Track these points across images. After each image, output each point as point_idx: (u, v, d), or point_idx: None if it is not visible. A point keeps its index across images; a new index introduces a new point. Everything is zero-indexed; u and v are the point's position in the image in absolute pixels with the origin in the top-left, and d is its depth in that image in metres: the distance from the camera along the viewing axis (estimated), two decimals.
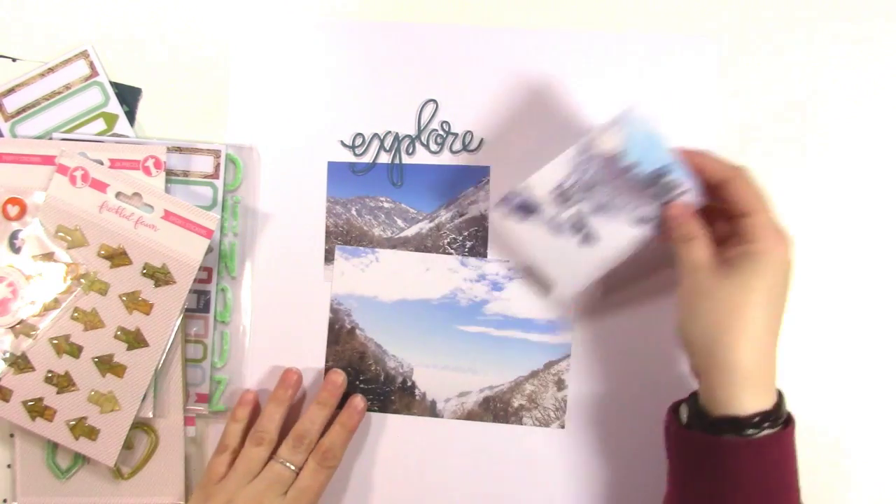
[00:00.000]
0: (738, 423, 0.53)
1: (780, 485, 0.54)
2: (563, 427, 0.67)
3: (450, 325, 0.67)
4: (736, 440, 0.53)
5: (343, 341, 0.67)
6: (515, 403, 0.67)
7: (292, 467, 0.61)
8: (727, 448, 0.53)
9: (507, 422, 0.67)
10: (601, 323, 0.67)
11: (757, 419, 0.53)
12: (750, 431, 0.53)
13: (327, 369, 0.67)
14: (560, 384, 0.67)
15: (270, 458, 0.62)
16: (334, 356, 0.67)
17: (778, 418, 0.54)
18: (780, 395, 0.55)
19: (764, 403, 0.53)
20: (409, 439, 0.67)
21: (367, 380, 0.67)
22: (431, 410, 0.67)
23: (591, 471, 0.67)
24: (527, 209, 0.61)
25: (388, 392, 0.67)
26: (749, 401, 0.53)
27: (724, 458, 0.53)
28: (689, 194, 0.59)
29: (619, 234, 0.60)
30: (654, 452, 0.63)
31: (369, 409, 0.67)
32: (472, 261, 0.67)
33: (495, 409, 0.67)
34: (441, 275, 0.67)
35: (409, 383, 0.67)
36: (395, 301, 0.67)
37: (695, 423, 0.56)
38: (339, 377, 0.65)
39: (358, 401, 0.65)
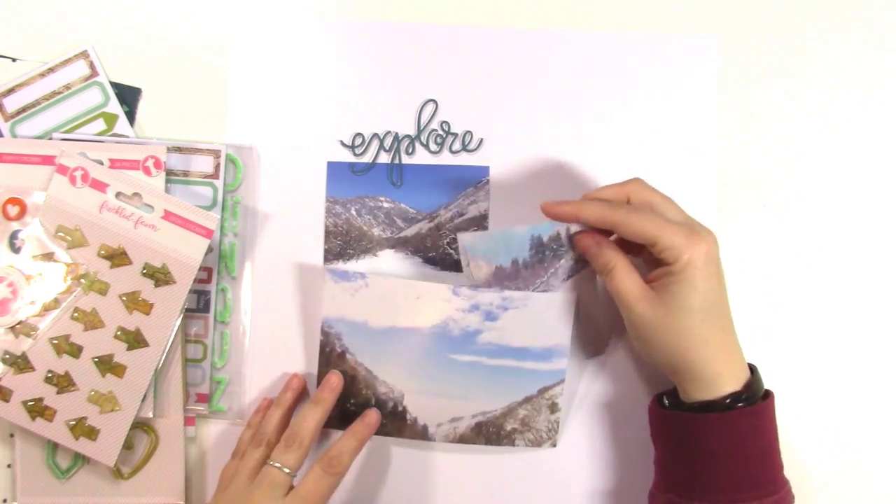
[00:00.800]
0: (711, 405, 0.57)
1: (753, 454, 0.57)
2: (554, 446, 0.66)
3: (441, 353, 0.65)
4: (708, 415, 0.57)
5: (334, 364, 0.65)
6: (508, 427, 0.66)
7: (286, 469, 0.60)
8: (701, 422, 0.57)
9: (499, 444, 0.66)
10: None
11: (728, 400, 0.57)
12: (721, 409, 0.57)
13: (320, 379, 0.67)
14: (553, 407, 0.66)
15: None
16: None
17: (750, 396, 0.57)
18: (751, 375, 0.58)
19: (733, 386, 0.57)
20: (400, 462, 0.67)
21: (357, 403, 0.65)
22: (423, 434, 0.66)
23: (582, 488, 0.67)
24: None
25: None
26: (716, 389, 0.57)
27: (698, 430, 0.57)
28: (573, 228, 0.61)
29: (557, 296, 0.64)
30: (646, 464, 0.63)
31: None
32: (464, 291, 0.63)
33: (487, 433, 0.66)
34: (432, 304, 0.64)
35: (400, 409, 0.65)
36: (385, 328, 0.65)
37: (673, 406, 0.61)
38: (336, 377, 0.64)
39: (372, 415, 0.64)
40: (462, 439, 0.66)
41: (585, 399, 0.67)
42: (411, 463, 0.67)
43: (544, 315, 0.64)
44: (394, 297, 0.64)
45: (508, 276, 0.62)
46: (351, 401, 0.66)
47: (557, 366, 0.65)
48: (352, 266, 0.67)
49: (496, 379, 0.65)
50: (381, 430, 0.65)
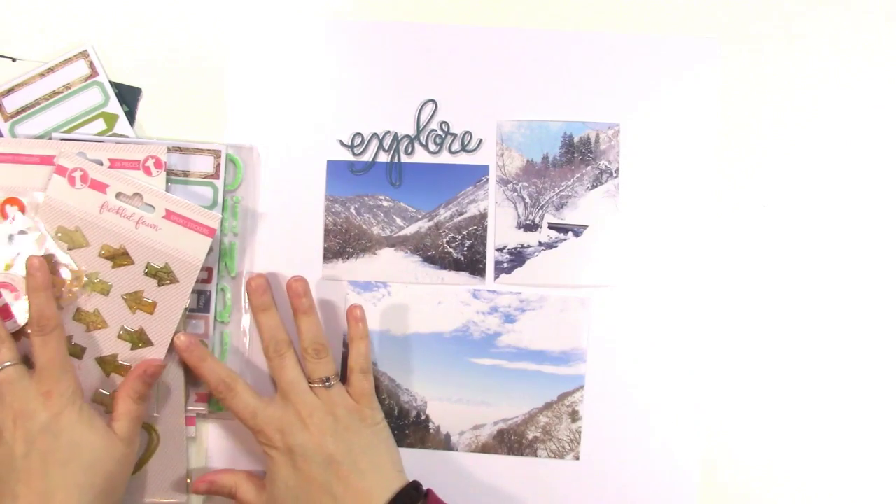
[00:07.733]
0: None
1: None
2: (577, 458, 0.67)
3: (463, 358, 0.67)
4: None
5: None
6: (530, 435, 0.67)
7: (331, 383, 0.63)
8: None
9: (521, 454, 0.67)
10: (614, 353, 0.67)
11: None
12: None
13: None
14: (574, 415, 0.67)
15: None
16: None
17: None
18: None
19: None
20: (424, 474, 0.66)
21: None
22: (446, 444, 0.67)
23: (606, 502, 0.67)
24: None
25: (403, 426, 0.67)
26: None
27: None
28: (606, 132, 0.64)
29: None
30: (668, 482, 0.63)
31: None
32: (484, 293, 0.67)
33: (510, 441, 0.67)
34: (453, 308, 0.67)
35: (423, 417, 0.67)
36: (408, 335, 0.67)
37: None
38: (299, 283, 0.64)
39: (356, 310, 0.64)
40: (484, 448, 0.66)
41: (609, 411, 0.67)
42: (434, 476, 0.67)
43: (560, 317, 0.66)
44: (416, 304, 0.66)
45: (537, 172, 0.65)
46: None
47: (576, 371, 0.66)
48: (350, 264, 0.67)
49: (516, 384, 0.67)
50: (405, 443, 0.66)
